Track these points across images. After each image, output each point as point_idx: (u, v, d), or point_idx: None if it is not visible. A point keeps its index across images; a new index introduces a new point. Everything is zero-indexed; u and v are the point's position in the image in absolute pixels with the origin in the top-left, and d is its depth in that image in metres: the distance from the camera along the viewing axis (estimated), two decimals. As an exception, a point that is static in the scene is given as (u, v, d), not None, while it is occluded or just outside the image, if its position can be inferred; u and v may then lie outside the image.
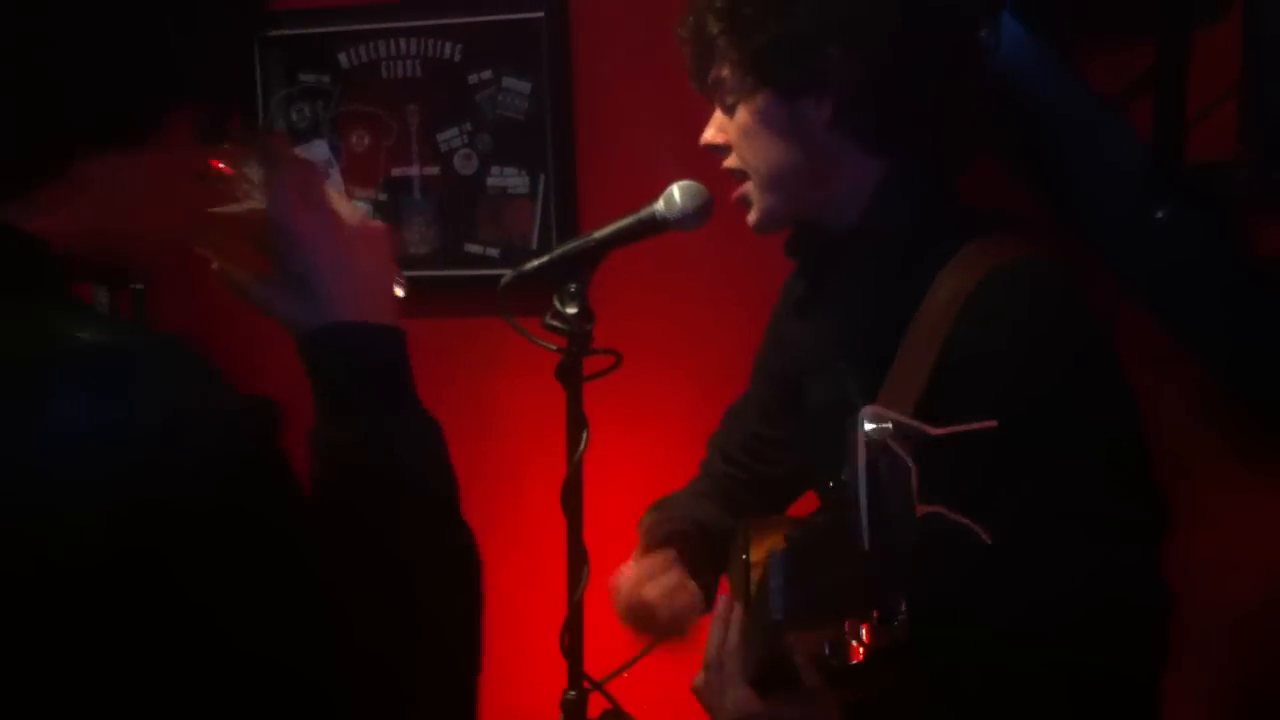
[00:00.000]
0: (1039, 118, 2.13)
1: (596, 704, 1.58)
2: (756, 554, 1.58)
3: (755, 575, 1.56)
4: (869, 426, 1.02)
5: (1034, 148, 2.15)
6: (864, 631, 1.03)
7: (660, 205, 1.53)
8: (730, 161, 1.59)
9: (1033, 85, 2.10)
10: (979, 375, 1.39)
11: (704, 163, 1.62)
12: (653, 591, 1.69)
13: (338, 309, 1.17)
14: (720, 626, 1.47)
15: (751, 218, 1.59)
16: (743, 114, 1.54)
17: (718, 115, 1.59)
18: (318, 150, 2.64)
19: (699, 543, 1.78)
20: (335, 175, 2.61)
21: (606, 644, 1.68)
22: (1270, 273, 2.11)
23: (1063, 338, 1.42)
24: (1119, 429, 1.42)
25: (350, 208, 1.17)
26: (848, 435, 1.03)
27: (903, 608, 1.01)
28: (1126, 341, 1.56)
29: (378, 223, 1.20)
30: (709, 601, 1.79)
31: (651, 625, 1.70)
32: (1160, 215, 2.03)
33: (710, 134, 1.60)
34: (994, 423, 1.05)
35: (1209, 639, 2.00)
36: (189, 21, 1.02)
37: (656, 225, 1.53)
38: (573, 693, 1.53)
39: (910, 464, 1.01)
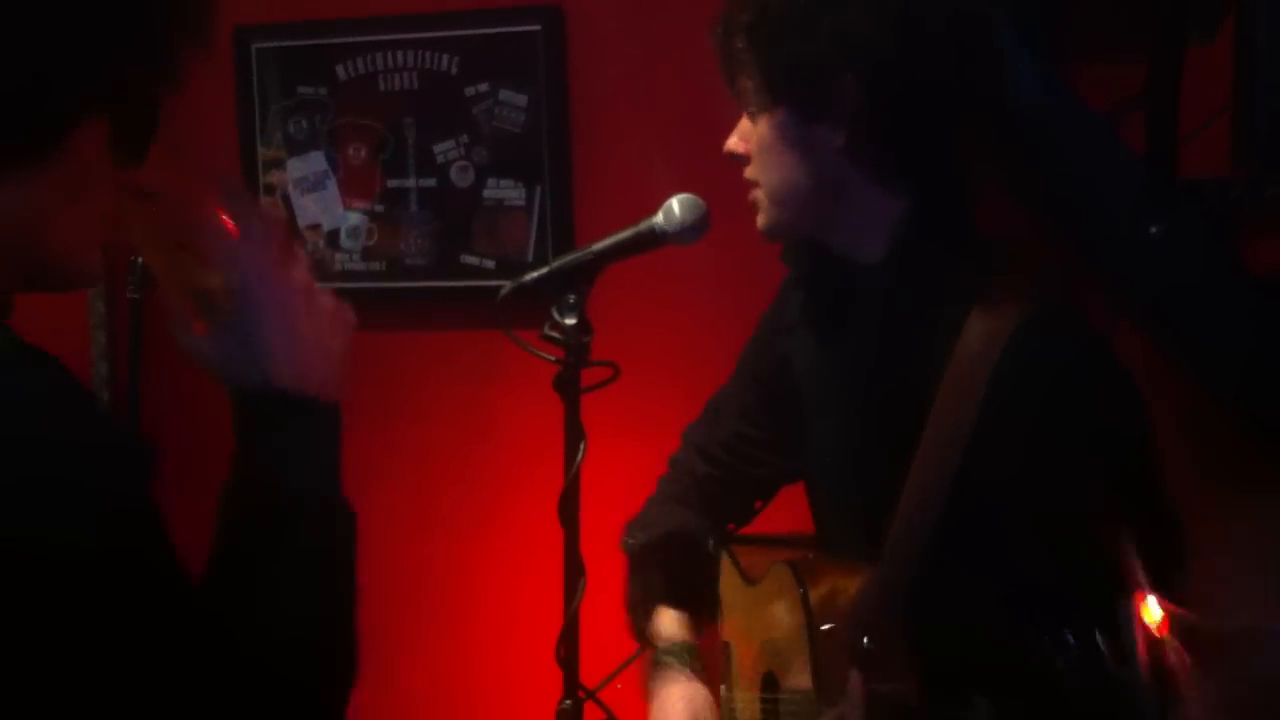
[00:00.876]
0: (1036, 133, 2.14)
1: (592, 715, 1.58)
2: (815, 596, 1.60)
3: (822, 616, 1.57)
4: (1150, 615, 1.08)
5: (1030, 163, 2.16)
6: None
7: (659, 218, 1.53)
8: (748, 172, 1.62)
9: (1030, 101, 2.11)
10: (1025, 423, 1.43)
11: (701, 176, 1.63)
12: None
13: (279, 374, 1.15)
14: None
15: (759, 222, 1.63)
16: (762, 126, 1.57)
17: (744, 123, 1.62)
18: (314, 162, 2.66)
19: (687, 561, 1.79)
20: (332, 187, 2.63)
21: (602, 655, 1.69)
22: (1264, 289, 2.12)
23: (1101, 380, 1.50)
24: (1153, 457, 1.50)
25: (309, 279, 1.15)
26: (1120, 618, 1.12)
27: None
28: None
29: (336, 302, 1.17)
30: (707, 618, 1.80)
31: None
32: (1154, 231, 2.05)
33: (733, 142, 1.63)
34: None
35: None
36: (82, 32, 0.99)
37: (655, 238, 1.54)
38: (568, 702, 1.53)
39: (1188, 662, 1.12)
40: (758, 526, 1.92)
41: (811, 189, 1.56)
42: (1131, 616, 1.11)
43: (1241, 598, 2.18)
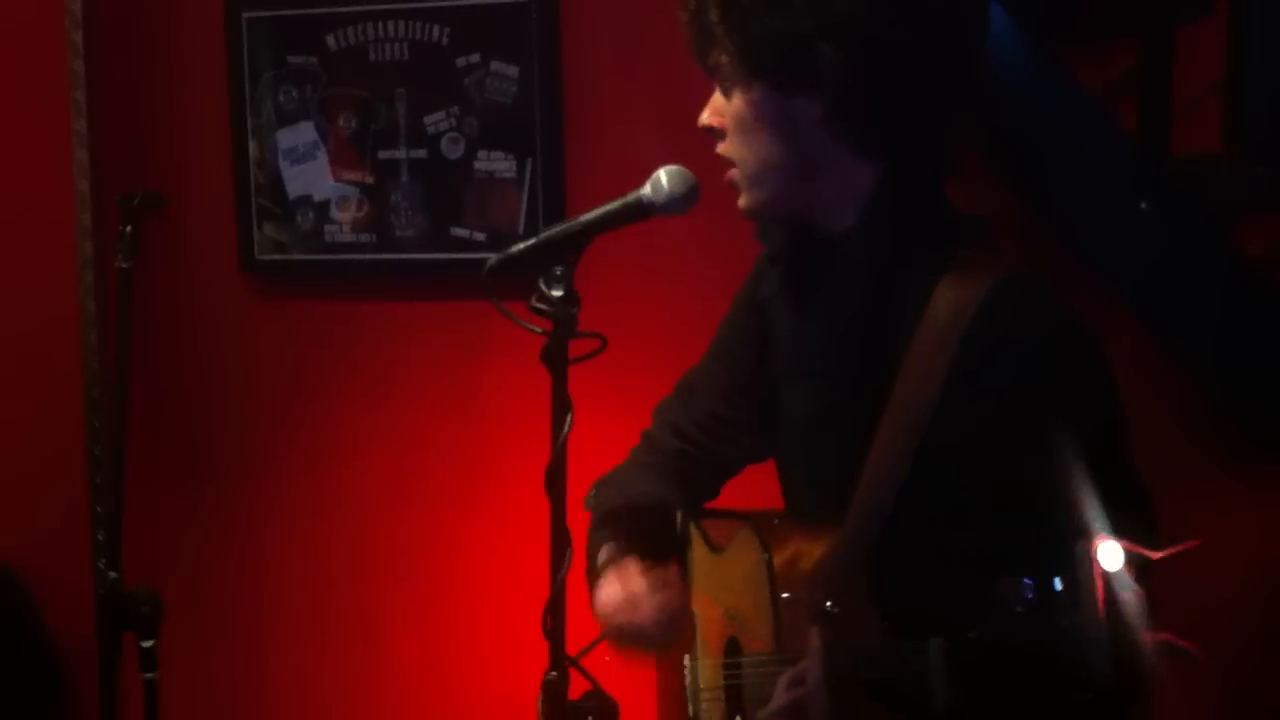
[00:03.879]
0: (1025, 113, 2.14)
1: (578, 685, 1.58)
2: (779, 559, 1.59)
3: (784, 581, 1.57)
4: (1107, 560, 1.07)
5: (1019, 143, 2.16)
6: None
7: (647, 190, 1.53)
8: (722, 148, 1.60)
9: (1020, 81, 2.11)
10: (995, 387, 1.42)
11: (692, 148, 1.62)
12: (643, 615, 1.70)
13: None
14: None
15: (739, 202, 1.62)
16: (738, 102, 1.56)
17: (716, 98, 1.60)
18: (304, 133, 2.65)
19: (657, 525, 1.79)
20: (322, 158, 2.63)
21: (589, 627, 1.69)
22: (1251, 267, 2.13)
23: (1068, 347, 1.48)
24: (1121, 427, 1.49)
25: None
26: (1078, 564, 1.11)
27: None
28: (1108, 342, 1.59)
29: None
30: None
31: (644, 646, 1.72)
32: (1144, 207, 2.05)
33: (706, 116, 1.61)
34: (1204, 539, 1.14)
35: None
36: None
37: (643, 210, 1.53)
38: (554, 673, 1.53)
39: (1145, 595, 1.09)
40: (727, 504, 1.92)
41: (789, 163, 1.55)
42: (1089, 561, 1.11)
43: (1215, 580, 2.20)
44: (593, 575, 1.79)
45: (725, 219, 1.65)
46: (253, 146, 2.66)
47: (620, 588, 1.71)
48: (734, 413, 1.83)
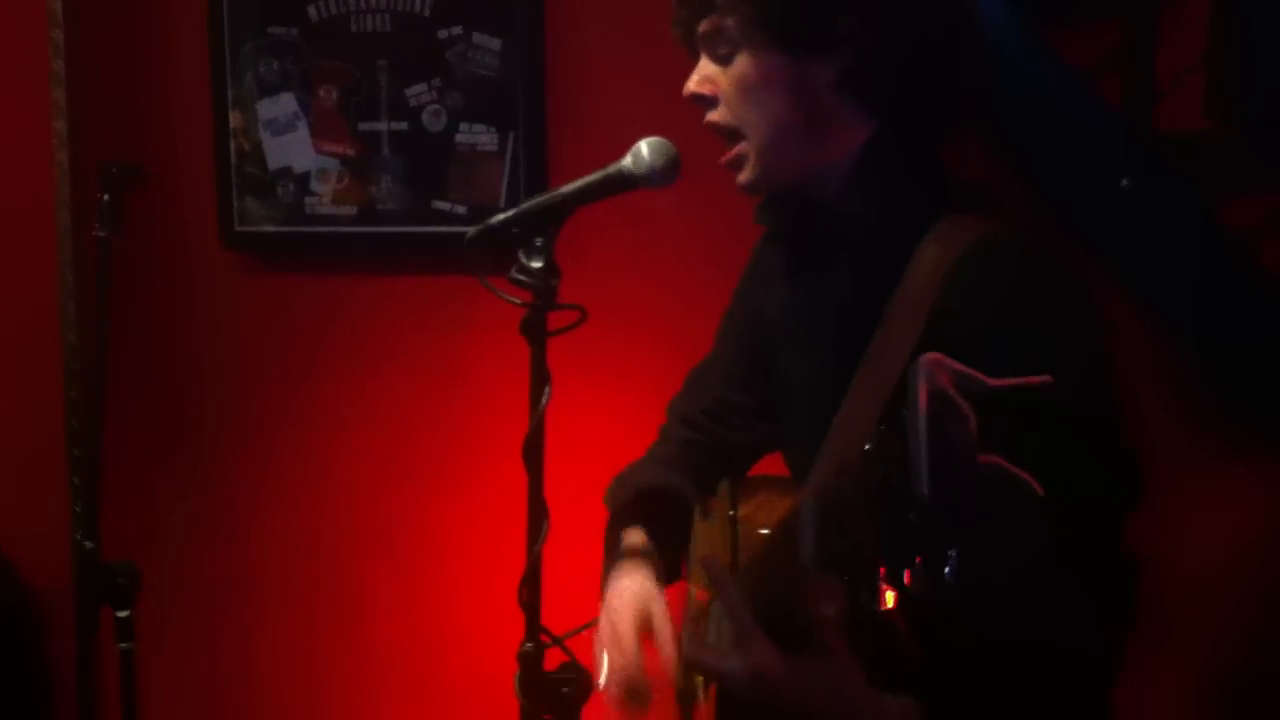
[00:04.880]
0: (1015, 87, 2.14)
1: (553, 657, 1.58)
2: (744, 511, 1.59)
3: (745, 532, 1.56)
4: (928, 375, 1.02)
5: (1010, 117, 2.16)
6: (905, 577, 1.04)
7: (628, 161, 1.51)
8: (717, 116, 1.55)
9: (1009, 55, 2.11)
10: (965, 346, 1.39)
11: (676, 121, 1.61)
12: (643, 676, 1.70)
13: None
14: (718, 592, 1.47)
15: (744, 177, 1.55)
16: (742, 67, 1.51)
17: (704, 65, 1.55)
18: (285, 104, 2.63)
19: (665, 515, 1.78)
20: (303, 130, 2.61)
21: (564, 598, 1.69)
22: (1235, 240, 2.13)
23: (1042, 307, 1.43)
24: (1100, 394, 1.44)
25: None
26: (906, 384, 1.03)
27: (952, 556, 1.02)
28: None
29: None
30: (674, 573, 1.80)
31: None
32: (1126, 184, 2.05)
33: (694, 83, 1.55)
34: (1049, 377, 1.07)
35: (1176, 622, 2.03)
36: None
37: (624, 181, 1.52)
38: (529, 645, 1.53)
39: (970, 413, 1.01)
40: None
41: (799, 127, 1.51)
42: (915, 380, 1.05)
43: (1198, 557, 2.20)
44: (609, 564, 1.79)
45: (706, 192, 1.64)
46: (233, 118, 2.64)
47: (629, 602, 1.71)
48: (742, 398, 1.82)
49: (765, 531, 1.51)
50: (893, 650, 1.29)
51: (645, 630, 1.69)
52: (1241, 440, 2.22)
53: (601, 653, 1.71)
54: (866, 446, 1.12)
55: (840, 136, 1.52)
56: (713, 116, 1.55)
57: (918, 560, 1.03)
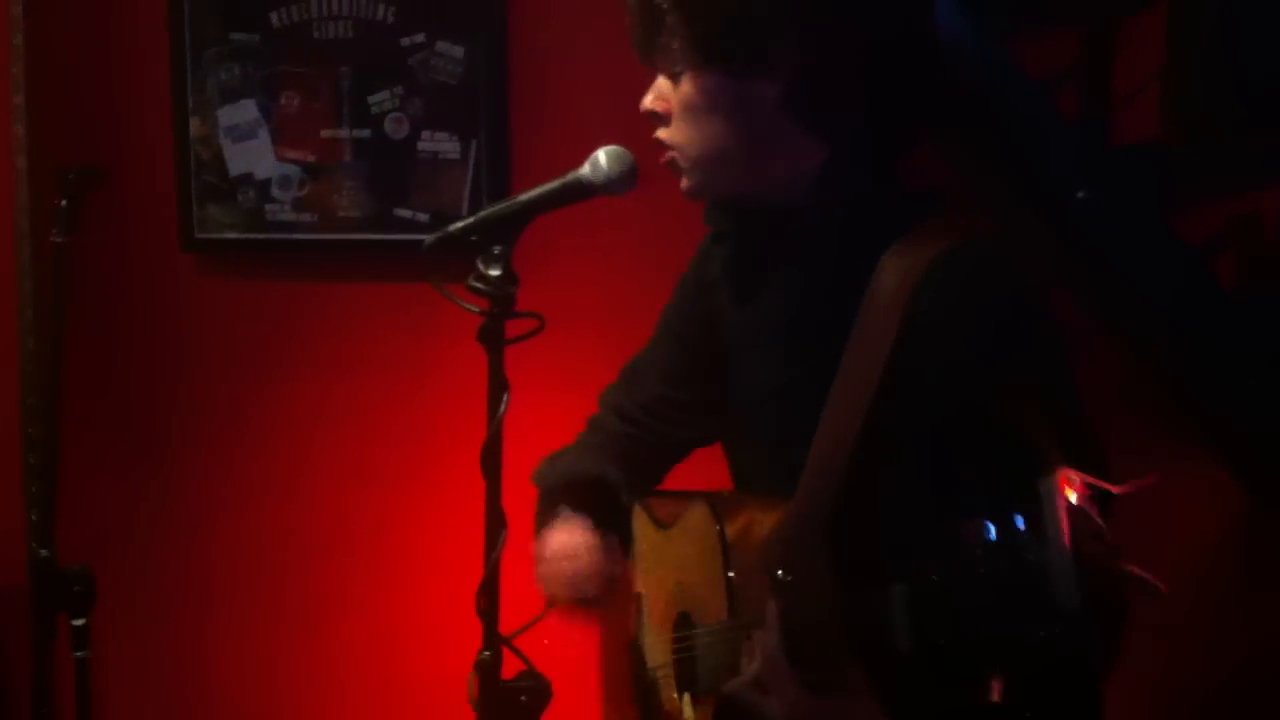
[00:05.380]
0: (974, 97, 2.15)
1: (512, 666, 1.58)
2: (731, 530, 1.59)
3: (738, 556, 1.57)
4: (1069, 494, 1.08)
5: (968, 127, 2.17)
6: (999, 684, 1.09)
7: (586, 170, 1.52)
8: (664, 133, 1.59)
9: (969, 66, 2.12)
10: (937, 355, 1.41)
11: (640, 130, 1.62)
12: (579, 563, 1.70)
13: None
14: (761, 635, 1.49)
15: (684, 185, 1.60)
16: (687, 87, 1.54)
17: (661, 82, 1.59)
18: (246, 111, 2.63)
19: (603, 499, 1.79)
20: (264, 136, 2.60)
21: (525, 607, 1.69)
22: (1190, 250, 2.15)
23: (1015, 311, 1.46)
24: (1070, 388, 1.48)
25: None
26: (1041, 497, 1.10)
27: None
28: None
29: None
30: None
31: (578, 595, 1.71)
32: (1081, 195, 2.07)
33: (650, 101, 1.59)
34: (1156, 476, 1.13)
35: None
36: None
37: (582, 190, 1.53)
38: (487, 653, 1.53)
39: (1105, 527, 1.08)
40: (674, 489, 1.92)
41: (737, 148, 1.54)
42: (1052, 494, 1.11)
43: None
44: (539, 531, 1.81)
45: (666, 200, 1.65)
46: (194, 124, 2.62)
47: (565, 537, 1.71)
48: (680, 395, 1.83)
49: (771, 565, 1.51)
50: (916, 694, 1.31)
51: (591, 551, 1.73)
52: (1194, 447, 2.24)
53: (550, 571, 1.74)
54: (954, 535, 1.18)
55: (792, 153, 1.54)
56: (660, 133, 1.59)
57: (1037, 664, 1.10)
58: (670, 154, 1.59)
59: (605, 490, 1.82)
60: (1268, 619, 2.27)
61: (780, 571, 1.43)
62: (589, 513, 1.79)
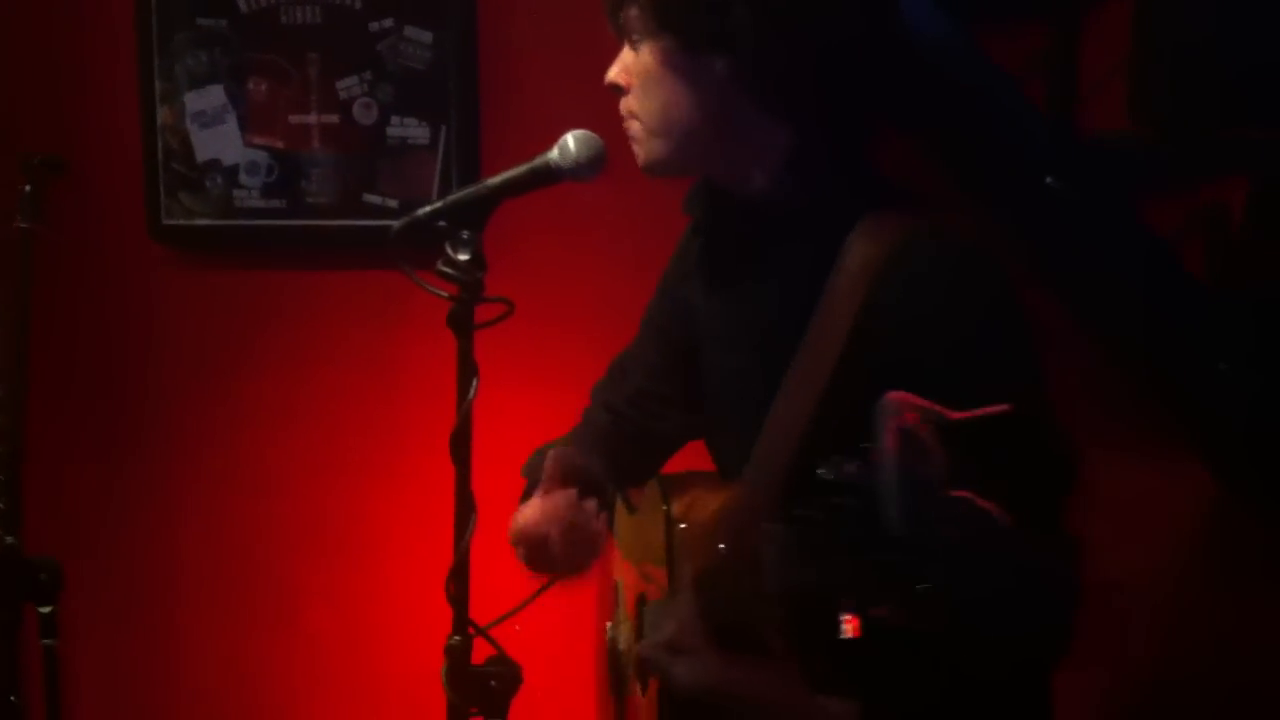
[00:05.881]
0: (942, 87, 2.16)
1: (481, 651, 1.58)
2: (678, 509, 1.59)
3: (681, 532, 1.57)
4: (894, 414, 1.04)
5: (936, 116, 2.18)
6: (854, 619, 1.06)
7: (554, 154, 1.52)
8: (627, 103, 1.59)
9: (937, 55, 2.13)
10: (894, 343, 1.41)
11: (610, 115, 1.62)
12: (554, 529, 1.69)
13: None
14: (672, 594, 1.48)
15: (639, 155, 1.60)
16: (646, 55, 1.54)
17: (625, 54, 1.58)
18: (213, 96, 2.61)
19: (589, 486, 1.79)
20: (232, 122, 2.59)
21: (492, 592, 1.69)
22: (1157, 239, 2.16)
23: (975, 300, 1.45)
24: (1031, 382, 1.45)
25: None
26: (874, 422, 1.05)
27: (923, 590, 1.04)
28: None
29: None
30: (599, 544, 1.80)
31: (550, 562, 1.70)
32: (1050, 182, 2.08)
33: (613, 73, 1.59)
34: (1009, 406, 1.08)
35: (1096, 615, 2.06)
36: None
37: (551, 174, 1.53)
38: (457, 638, 1.53)
39: (940, 451, 1.04)
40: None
41: (694, 119, 1.53)
42: (882, 417, 1.08)
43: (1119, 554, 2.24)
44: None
45: (636, 185, 1.65)
46: (161, 110, 2.61)
47: (541, 503, 1.70)
48: (662, 388, 1.83)
49: (711, 539, 1.51)
50: (843, 664, 1.30)
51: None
52: (1163, 435, 2.26)
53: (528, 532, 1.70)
54: (821, 471, 1.13)
55: (748, 135, 1.54)
56: (623, 103, 1.59)
57: (889, 595, 1.05)
58: (631, 125, 1.58)
59: (590, 475, 1.81)
60: (1236, 606, 2.29)
61: (720, 545, 1.42)
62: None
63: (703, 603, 1.39)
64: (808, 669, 1.35)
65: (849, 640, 1.14)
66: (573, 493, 1.69)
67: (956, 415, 1.06)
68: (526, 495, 1.82)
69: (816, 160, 1.54)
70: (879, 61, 1.54)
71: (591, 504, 1.68)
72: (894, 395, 1.06)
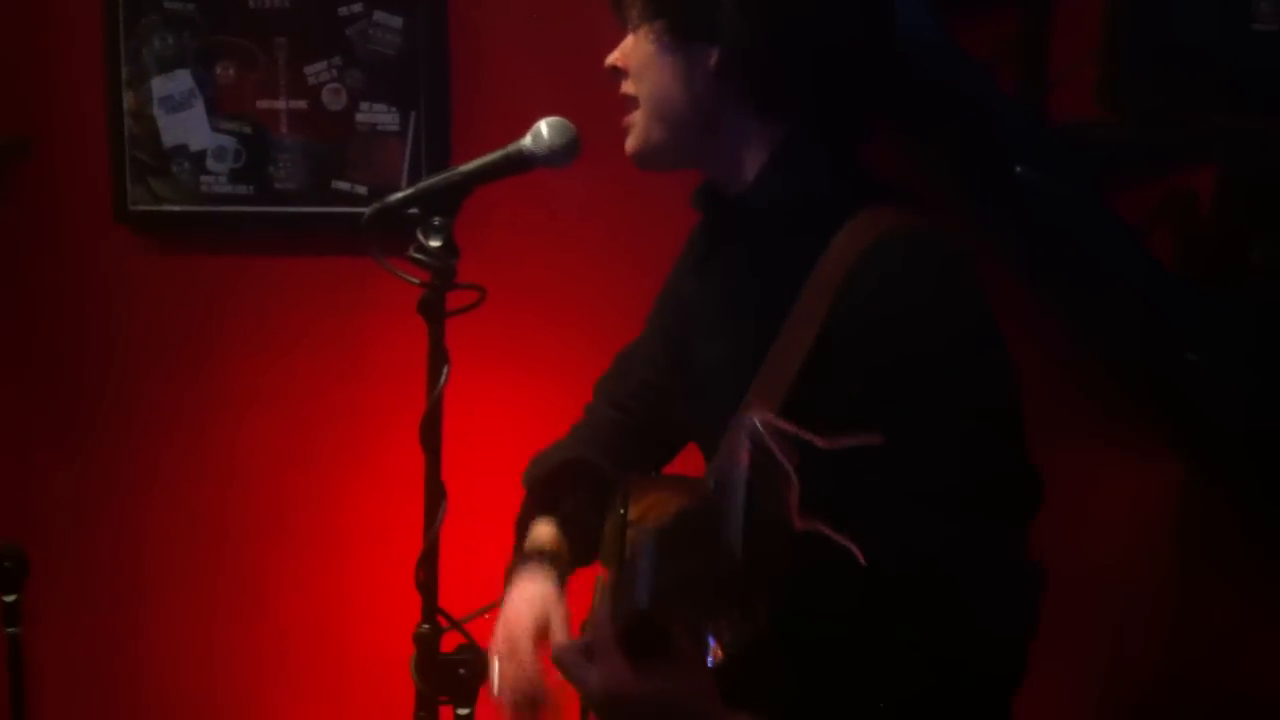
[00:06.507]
0: (913, 76, 2.16)
1: (450, 639, 1.58)
2: (635, 512, 1.59)
3: (631, 535, 1.57)
4: (754, 430, 1.01)
5: (912, 108, 2.18)
6: (723, 626, 1.04)
7: (528, 141, 1.52)
8: (625, 87, 1.57)
9: (908, 45, 2.13)
10: (861, 340, 1.39)
11: (580, 102, 1.62)
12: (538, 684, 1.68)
13: None
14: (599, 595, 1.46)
15: (630, 144, 1.58)
16: (643, 39, 1.54)
17: (627, 40, 1.58)
18: (180, 81, 2.59)
19: (580, 493, 1.78)
20: (199, 107, 2.56)
21: (462, 579, 1.69)
22: (1126, 227, 2.17)
23: (944, 306, 1.42)
24: (993, 401, 1.42)
25: None
26: (731, 435, 1.02)
27: (763, 606, 1.02)
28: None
29: None
30: (586, 557, 1.79)
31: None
32: (1020, 170, 2.08)
33: (614, 56, 1.58)
34: (878, 439, 1.04)
35: (1063, 609, 2.07)
36: None
37: (524, 161, 1.52)
38: (426, 626, 1.53)
39: (793, 478, 1.00)
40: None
41: (684, 107, 1.52)
42: (739, 435, 1.04)
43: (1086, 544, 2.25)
44: (516, 558, 1.77)
45: (607, 173, 1.65)
46: (127, 94, 2.58)
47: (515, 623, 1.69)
48: (666, 381, 1.81)
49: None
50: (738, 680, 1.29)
51: (542, 637, 1.67)
52: (1133, 423, 2.27)
53: (494, 659, 1.69)
54: (710, 486, 1.10)
55: (734, 127, 1.53)
56: (624, 87, 1.57)
57: (734, 614, 1.04)
58: (631, 115, 1.57)
59: (588, 476, 1.79)
60: (1203, 593, 2.30)
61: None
62: (568, 517, 1.77)
63: (613, 607, 1.37)
64: (718, 679, 1.34)
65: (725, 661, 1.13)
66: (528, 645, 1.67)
67: (826, 444, 1.02)
68: (527, 509, 1.81)
69: (805, 158, 1.52)
70: (871, 62, 1.53)
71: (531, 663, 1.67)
72: (760, 415, 1.03)
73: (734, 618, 1.05)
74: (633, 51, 1.56)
